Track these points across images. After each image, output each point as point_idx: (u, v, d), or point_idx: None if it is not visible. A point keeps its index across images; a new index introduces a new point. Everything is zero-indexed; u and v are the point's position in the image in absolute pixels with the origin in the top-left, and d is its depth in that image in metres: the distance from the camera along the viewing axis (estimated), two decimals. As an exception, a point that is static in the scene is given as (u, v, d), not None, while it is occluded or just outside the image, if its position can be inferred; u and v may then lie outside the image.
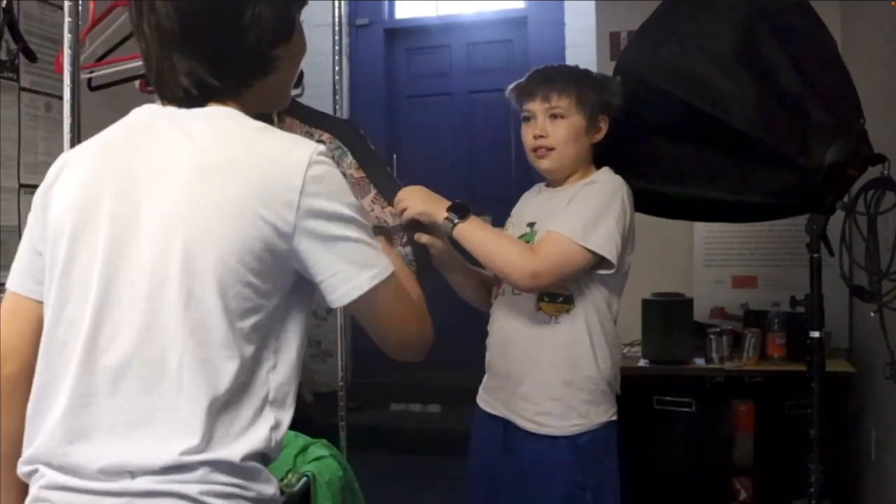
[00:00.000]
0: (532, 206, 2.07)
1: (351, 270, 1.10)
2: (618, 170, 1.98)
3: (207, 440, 1.04)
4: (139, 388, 1.05)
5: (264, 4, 1.12)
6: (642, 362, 3.27)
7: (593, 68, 3.98)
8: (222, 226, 1.05)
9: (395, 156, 5.26)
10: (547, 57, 4.86)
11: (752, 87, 1.89)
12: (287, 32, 1.17)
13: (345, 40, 4.74)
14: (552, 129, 1.95)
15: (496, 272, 1.93)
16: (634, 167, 2.01)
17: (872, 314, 2.13)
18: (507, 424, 1.97)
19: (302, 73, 2.85)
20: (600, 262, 1.85)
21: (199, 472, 1.03)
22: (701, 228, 3.57)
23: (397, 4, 5.38)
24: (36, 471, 1.09)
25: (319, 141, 2.09)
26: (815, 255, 2.00)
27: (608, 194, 1.89)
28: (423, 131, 5.26)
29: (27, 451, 1.10)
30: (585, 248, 1.82)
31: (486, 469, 2.02)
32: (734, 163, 1.95)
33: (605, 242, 1.82)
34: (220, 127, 1.12)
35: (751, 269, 3.57)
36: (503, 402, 1.98)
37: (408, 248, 1.94)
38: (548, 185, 2.08)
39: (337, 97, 2.85)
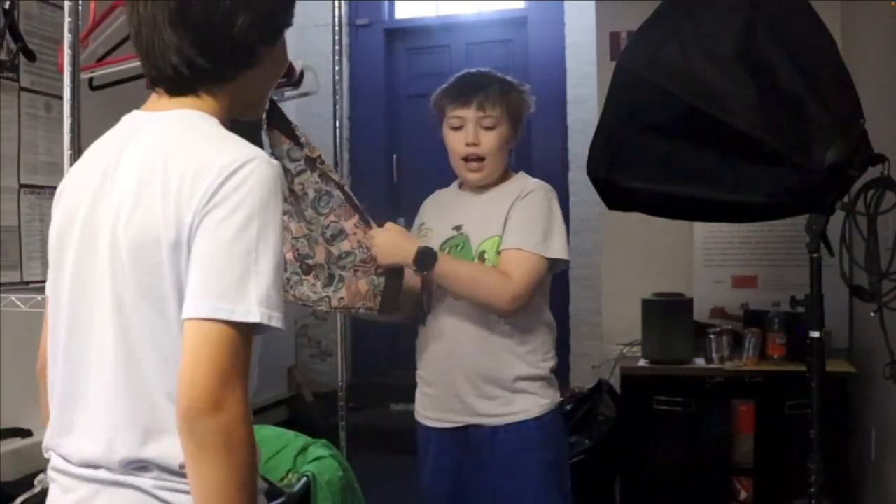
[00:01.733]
0: (453, 209, 2.07)
1: (207, 286, 1.06)
2: (618, 170, 1.98)
3: (157, 440, 1.11)
4: (110, 391, 1.14)
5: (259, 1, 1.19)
6: (642, 362, 3.27)
7: (593, 68, 4.03)
8: (153, 224, 1.10)
9: (395, 156, 5.27)
10: (547, 57, 4.88)
11: (752, 87, 1.88)
12: (273, 35, 1.23)
13: (345, 40, 4.74)
14: (484, 137, 2.00)
15: (477, 303, 1.94)
16: (634, 167, 2.01)
17: (872, 314, 2.13)
18: (467, 429, 2.00)
19: (303, 73, 2.86)
20: (553, 263, 1.97)
21: (154, 470, 1.12)
22: (701, 228, 3.57)
23: (397, 4, 5.38)
24: (50, 455, 1.23)
25: (308, 157, 2.07)
26: (815, 255, 2.00)
27: (547, 201, 2.00)
28: (423, 131, 5.23)
29: (44, 438, 1.24)
30: (547, 258, 1.94)
31: (450, 483, 2.04)
32: (734, 163, 1.95)
33: (562, 247, 1.96)
34: (172, 127, 1.17)
35: (751, 269, 3.57)
36: (460, 410, 1.99)
37: (381, 279, 1.96)
38: (463, 188, 2.12)
39: (337, 97, 2.85)
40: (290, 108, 4.85)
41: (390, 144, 5.29)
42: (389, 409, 5.08)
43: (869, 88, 2.20)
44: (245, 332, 1.06)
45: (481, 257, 1.98)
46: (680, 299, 3.30)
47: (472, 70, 2.13)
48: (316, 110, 4.70)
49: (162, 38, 1.16)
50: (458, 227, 2.03)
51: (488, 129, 2.00)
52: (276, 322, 1.08)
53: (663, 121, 1.99)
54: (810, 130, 1.88)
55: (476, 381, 1.97)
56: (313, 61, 3.22)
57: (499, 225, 1.98)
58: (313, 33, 4.93)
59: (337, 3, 2.81)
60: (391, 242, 1.92)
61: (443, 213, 2.10)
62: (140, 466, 1.12)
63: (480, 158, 2.01)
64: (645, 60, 2.00)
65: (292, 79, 2.85)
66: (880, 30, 2.84)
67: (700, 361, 3.21)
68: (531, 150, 4.69)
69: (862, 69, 2.39)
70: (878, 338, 2.22)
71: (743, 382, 3.12)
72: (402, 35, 5.37)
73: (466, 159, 2.02)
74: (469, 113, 2.00)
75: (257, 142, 2.45)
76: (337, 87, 2.85)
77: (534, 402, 1.99)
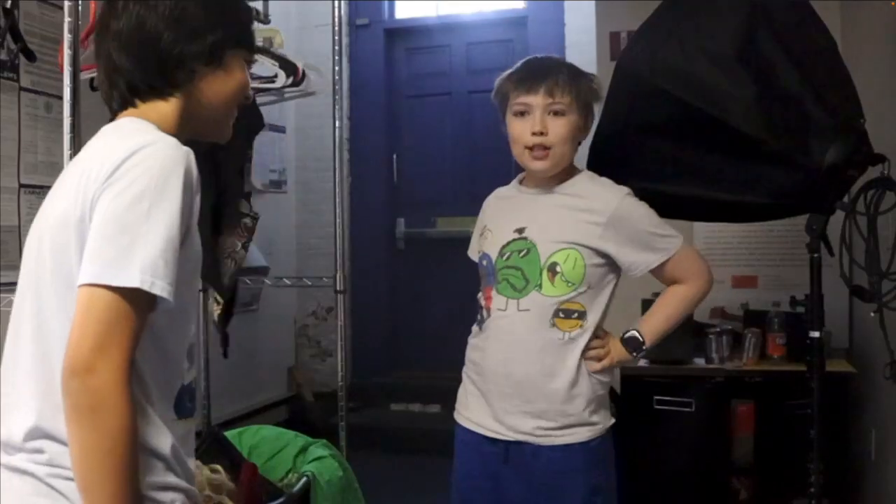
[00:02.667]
0: (514, 209, 1.97)
1: (98, 253, 1.11)
2: (618, 170, 1.97)
3: (51, 425, 1.15)
4: (28, 368, 1.20)
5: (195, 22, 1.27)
6: (642, 362, 3.26)
7: (593, 68, 4.01)
8: (66, 208, 1.17)
9: (395, 156, 5.27)
10: (547, 57, 4.88)
11: (752, 87, 1.88)
12: (209, 55, 1.28)
13: (345, 40, 4.73)
14: (552, 125, 1.87)
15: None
16: (635, 167, 2.01)
17: (872, 314, 2.13)
18: (509, 444, 1.91)
19: (304, 74, 2.86)
20: None
21: (46, 455, 1.15)
22: (701, 228, 3.57)
23: (397, 4, 5.38)
24: None
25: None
26: (815, 255, 2.00)
27: (638, 202, 1.92)
28: (423, 131, 5.26)
29: None
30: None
31: (486, 491, 1.95)
32: (734, 163, 1.95)
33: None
34: (108, 131, 1.26)
35: (751, 269, 3.57)
36: (509, 425, 1.90)
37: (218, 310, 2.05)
38: (524, 184, 2.01)
39: (337, 97, 2.85)
40: (290, 107, 4.88)
41: (390, 144, 5.28)
42: (389, 409, 5.08)
43: (869, 88, 2.20)
44: (130, 299, 1.09)
45: (551, 269, 1.86)
46: (680, 299, 3.30)
47: (540, 55, 2.01)
48: (316, 110, 4.70)
49: (110, 57, 1.27)
50: (520, 230, 1.92)
51: (557, 116, 1.88)
52: (158, 289, 1.10)
53: (663, 121, 1.99)
54: (810, 130, 1.88)
55: (527, 395, 1.87)
56: (313, 61, 3.22)
57: (571, 235, 1.87)
58: (313, 33, 4.93)
59: (337, 3, 2.81)
60: (619, 352, 1.93)
61: (503, 214, 1.99)
62: (39, 444, 1.15)
63: (547, 148, 1.88)
64: (645, 60, 2.00)
65: (295, 79, 2.86)
66: (880, 30, 2.84)
67: (700, 361, 3.20)
68: (531, 150, 4.70)
69: (862, 69, 2.38)
70: (878, 338, 2.22)
71: (743, 382, 3.12)
72: (402, 35, 5.37)
73: (532, 148, 1.89)
74: (537, 99, 1.87)
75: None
76: (337, 87, 2.84)
77: (587, 427, 1.90)
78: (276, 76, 2.77)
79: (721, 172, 1.98)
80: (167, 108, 1.28)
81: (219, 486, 2.29)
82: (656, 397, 3.14)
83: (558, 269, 1.86)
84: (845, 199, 2.08)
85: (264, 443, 2.73)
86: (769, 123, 1.88)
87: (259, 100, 2.68)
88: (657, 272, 1.92)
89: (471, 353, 2.00)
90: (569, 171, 1.96)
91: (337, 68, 2.84)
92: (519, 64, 1.97)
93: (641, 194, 1.97)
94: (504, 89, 1.94)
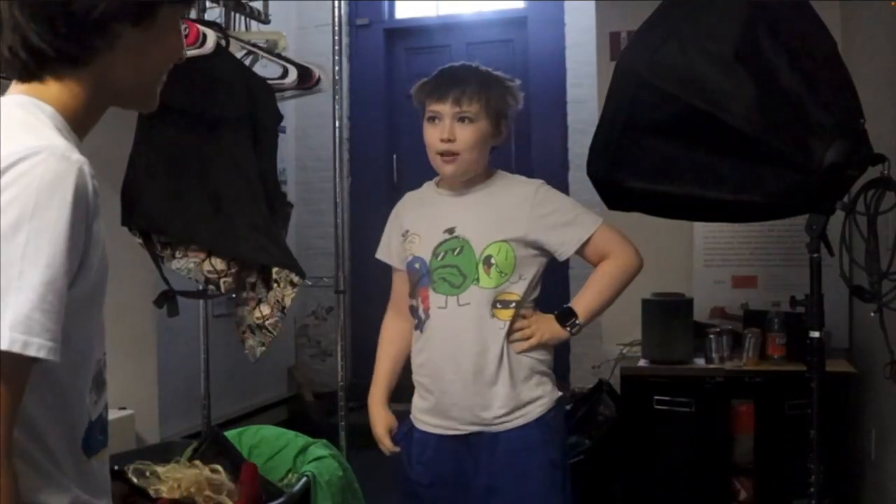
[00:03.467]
0: (438, 211, 2.05)
1: None
2: (618, 170, 1.98)
3: None
4: None
5: None
6: (642, 362, 3.27)
7: (593, 68, 4.02)
8: None
9: (395, 156, 5.27)
10: (547, 57, 4.88)
11: (752, 87, 1.88)
12: (137, 13, 1.05)
13: (345, 40, 4.74)
14: (460, 133, 1.97)
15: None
16: (634, 167, 2.01)
17: (872, 314, 2.13)
18: (468, 436, 1.99)
19: (320, 78, 2.88)
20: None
21: None
22: (701, 228, 3.57)
23: (397, 4, 5.38)
24: None
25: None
26: (815, 255, 2.00)
27: (551, 189, 2.06)
28: (423, 131, 5.25)
29: None
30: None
31: (451, 489, 2.02)
32: (734, 163, 1.95)
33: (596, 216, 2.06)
34: None
35: (751, 269, 3.57)
36: (461, 418, 1.99)
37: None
38: (441, 187, 2.10)
39: (337, 97, 2.85)
40: (290, 107, 4.88)
41: (390, 144, 5.28)
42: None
43: (869, 88, 2.20)
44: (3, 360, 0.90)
45: (487, 262, 1.96)
46: (680, 299, 3.30)
47: (456, 63, 2.14)
48: (316, 110, 4.71)
49: (12, 17, 1.02)
50: (450, 230, 2.01)
51: (466, 123, 1.98)
52: (34, 350, 0.90)
53: (663, 121, 1.99)
54: (810, 130, 1.88)
55: (477, 386, 1.97)
56: (313, 61, 3.23)
57: (500, 230, 1.97)
58: (313, 33, 4.93)
59: (337, 3, 2.81)
60: (550, 329, 2.00)
61: (427, 217, 2.07)
62: None
63: (455, 154, 1.99)
64: (645, 60, 2.00)
65: (309, 83, 2.87)
66: (880, 30, 2.84)
67: (700, 361, 3.20)
68: (531, 150, 4.69)
69: (862, 69, 2.38)
70: (878, 338, 2.21)
71: (743, 382, 3.12)
72: (402, 35, 5.37)
73: (442, 154, 2.00)
74: (445, 107, 1.98)
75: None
76: (337, 87, 2.85)
77: (536, 404, 1.99)
78: (286, 74, 2.78)
79: (721, 172, 1.97)
80: (77, 83, 1.05)
81: (219, 486, 2.29)
82: (656, 397, 3.14)
83: (493, 261, 1.96)
84: (845, 199, 2.08)
85: (264, 443, 2.73)
86: (769, 123, 1.88)
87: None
88: (584, 252, 2.01)
89: (416, 358, 2.08)
90: (487, 173, 2.06)
91: (337, 68, 2.85)
92: (435, 72, 2.08)
93: (642, 194, 1.97)
94: (418, 97, 2.06)
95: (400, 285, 2.15)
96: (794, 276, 3.31)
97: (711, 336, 3.18)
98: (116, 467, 2.13)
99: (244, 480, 2.32)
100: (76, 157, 0.97)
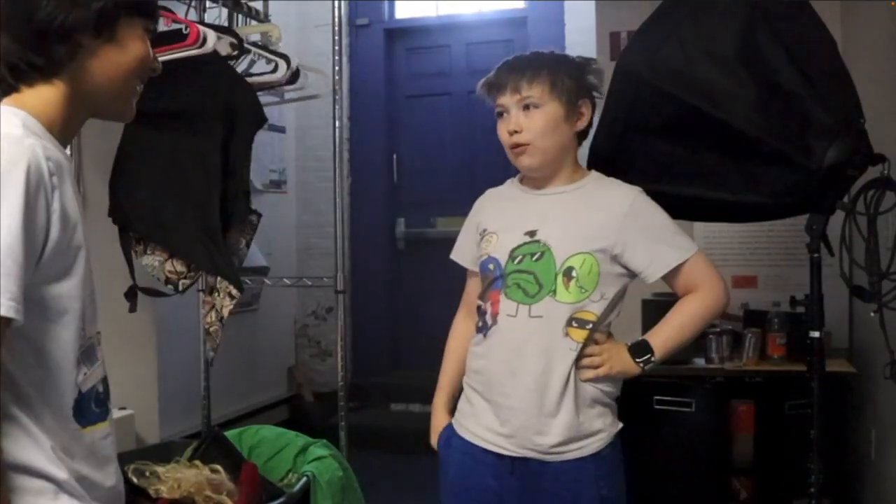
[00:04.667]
0: (520, 210, 1.89)
1: None
2: (618, 170, 1.97)
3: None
4: None
5: None
6: (642, 362, 3.27)
7: (593, 68, 4.01)
8: None
9: (394, 156, 5.27)
10: (547, 57, 4.88)
11: (752, 87, 1.88)
12: (96, 23, 1.14)
13: (345, 40, 4.73)
14: (526, 121, 1.82)
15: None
16: (635, 167, 2.00)
17: (872, 314, 2.13)
18: (514, 459, 1.82)
19: (298, 72, 2.86)
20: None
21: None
22: (701, 228, 3.57)
23: (397, 4, 5.38)
24: None
25: None
26: (815, 255, 2.00)
27: (656, 206, 1.87)
28: (423, 131, 5.26)
29: None
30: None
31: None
32: (734, 163, 1.95)
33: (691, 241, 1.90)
34: None
35: (751, 269, 3.57)
36: (512, 439, 1.82)
37: None
38: (525, 184, 1.94)
39: (337, 97, 2.85)
40: (290, 107, 4.87)
41: (390, 144, 5.28)
42: (389, 409, 5.08)
43: (869, 88, 2.20)
44: None
45: (567, 273, 1.78)
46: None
47: (520, 54, 1.94)
48: (316, 110, 4.70)
49: None
50: (531, 233, 1.82)
51: (531, 110, 1.82)
52: (5, 311, 0.99)
53: (663, 121, 1.99)
54: (810, 130, 1.88)
55: (534, 406, 1.79)
56: (313, 61, 3.23)
57: (586, 239, 1.80)
58: (313, 33, 4.93)
59: (337, 3, 2.81)
60: (622, 361, 1.84)
61: (507, 216, 1.90)
62: None
63: (526, 144, 1.82)
64: (645, 60, 2.00)
65: (288, 71, 2.85)
66: (880, 30, 2.84)
67: (700, 361, 3.20)
68: (531, 150, 4.70)
69: (862, 69, 2.38)
70: (878, 338, 2.22)
71: (743, 382, 3.12)
72: (402, 35, 5.37)
73: (513, 148, 1.84)
74: (506, 98, 1.84)
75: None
76: (337, 87, 2.85)
77: (595, 438, 1.82)
78: (275, 69, 2.74)
79: (721, 172, 1.97)
80: (51, 92, 1.14)
81: (219, 486, 2.29)
82: (656, 397, 3.14)
83: (574, 273, 1.78)
84: (845, 199, 2.08)
85: (264, 443, 2.73)
86: (769, 123, 1.88)
87: (263, 99, 2.68)
88: (672, 277, 1.84)
89: (473, 362, 1.91)
90: (575, 170, 1.90)
91: (337, 68, 2.85)
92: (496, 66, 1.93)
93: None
94: (483, 96, 1.92)
95: (473, 287, 1.98)
96: (794, 276, 3.32)
97: (711, 336, 3.18)
98: (116, 467, 2.13)
99: (244, 480, 2.32)
100: (29, 140, 1.06)
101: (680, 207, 2.16)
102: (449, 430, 1.95)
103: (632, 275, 1.85)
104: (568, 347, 1.79)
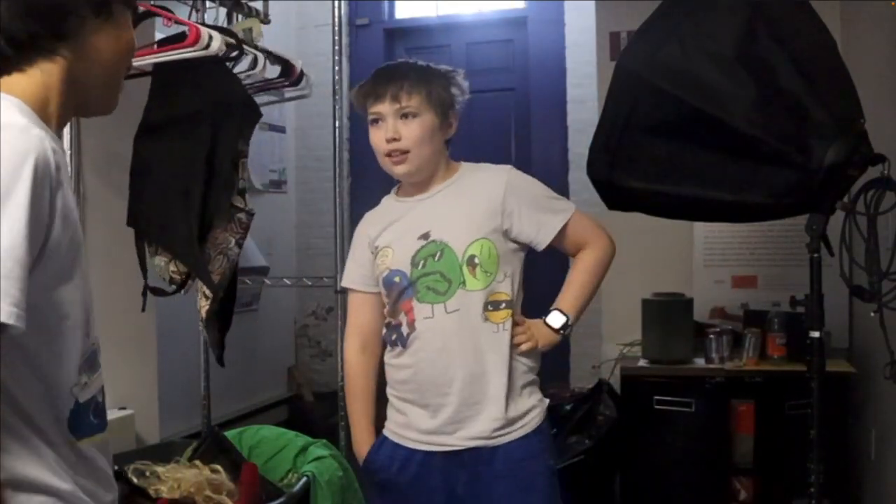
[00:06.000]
0: (406, 219, 1.93)
1: None
2: (618, 170, 1.98)
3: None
4: None
5: None
6: (642, 362, 3.27)
7: (593, 68, 4.02)
8: None
9: (395, 156, 5.27)
10: (547, 57, 4.87)
11: (752, 87, 1.89)
12: (97, 3, 1.12)
13: (345, 40, 4.73)
14: (405, 129, 1.87)
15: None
16: (634, 167, 2.01)
17: (872, 314, 2.13)
18: (462, 451, 1.86)
19: (302, 73, 2.86)
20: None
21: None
22: (701, 228, 3.57)
23: (397, 4, 5.38)
24: None
25: None
26: (815, 255, 2.00)
27: (522, 175, 1.96)
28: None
29: None
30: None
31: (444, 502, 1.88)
32: (734, 163, 1.95)
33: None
34: None
35: (751, 269, 3.57)
36: (457, 434, 1.86)
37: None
38: (402, 195, 1.98)
39: (337, 97, 2.85)
40: (290, 107, 4.87)
41: (390, 144, 5.28)
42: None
43: (869, 88, 2.20)
44: None
45: (470, 262, 1.85)
46: (680, 299, 3.30)
47: (391, 62, 2.05)
48: (316, 110, 4.70)
49: None
50: (425, 236, 1.88)
51: (409, 118, 1.87)
52: (2, 317, 0.93)
53: (663, 121, 1.99)
54: (810, 130, 1.88)
55: (473, 397, 1.84)
56: (313, 61, 3.23)
57: (477, 226, 1.86)
58: (313, 33, 4.93)
59: (337, 3, 2.81)
60: (544, 334, 1.93)
61: (395, 227, 1.94)
62: None
63: (405, 152, 1.87)
64: (645, 60, 2.00)
65: (290, 77, 2.85)
66: (880, 30, 2.84)
67: (700, 361, 3.21)
68: (531, 149, 4.69)
69: (862, 69, 2.38)
70: (878, 338, 2.21)
71: (743, 382, 3.12)
72: (402, 35, 5.36)
73: (390, 155, 1.89)
74: (384, 106, 1.87)
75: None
76: (337, 87, 2.85)
77: (533, 413, 1.90)
78: (255, 65, 2.70)
79: (721, 172, 1.98)
80: (48, 72, 1.10)
81: (219, 486, 2.29)
82: (656, 397, 3.14)
83: (476, 260, 1.86)
84: (845, 199, 2.08)
85: (264, 443, 2.73)
86: (769, 123, 1.88)
87: (259, 99, 2.68)
88: (560, 239, 1.92)
89: (396, 374, 1.95)
90: (449, 168, 1.97)
91: (337, 68, 2.85)
92: (370, 75, 1.97)
93: (642, 194, 1.96)
94: (358, 102, 1.95)
95: (365, 313, 2.00)
96: (794, 276, 3.31)
97: (711, 336, 3.18)
98: (116, 467, 2.13)
99: (244, 480, 2.32)
100: (36, 131, 1.00)
101: (680, 207, 2.17)
102: (381, 442, 1.98)
103: (524, 248, 1.93)
104: (491, 331, 1.86)
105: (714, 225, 3.50)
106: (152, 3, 2.54)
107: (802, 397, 2.06)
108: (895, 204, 2.11)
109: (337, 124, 2.86)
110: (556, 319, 1.94)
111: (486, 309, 1.86)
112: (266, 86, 2.85)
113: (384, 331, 1.97)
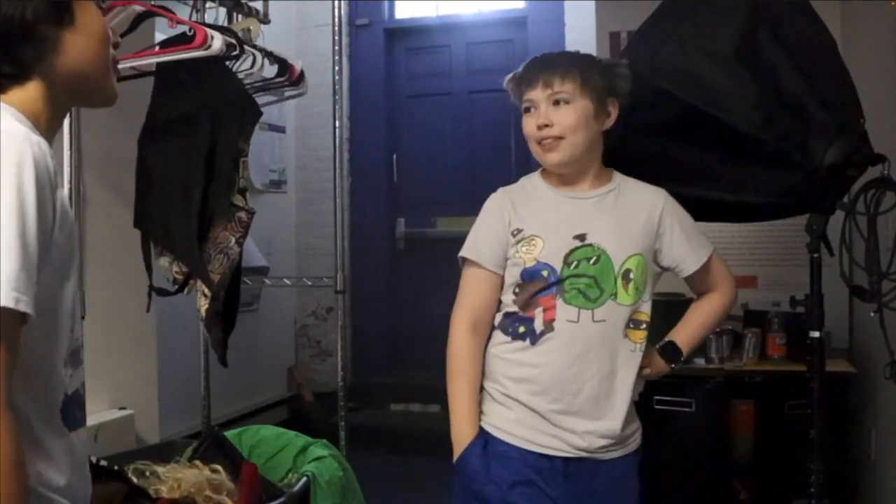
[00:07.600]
0: (561, 212, 1.85)
1: None
2: (618, 170, 1.97)
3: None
4: None
5: None
6: (642, 362, 3.27)
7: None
8: None
9: (395, 156, 5.27)
10: (547, 57, 4.88)
11: (752, 87, 1.89)
12: (56, 12, 1.11)
13: (345, 40, 4.74)
14: (557, 116, 1.80)
15: None
16: (635, 167, 2.00)
17: (872, 314, 2.13)
18: (568, 460, 1.82)
19: (303, 73, 2.86)
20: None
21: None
22: (701, 228, 3.57)
23: (397, 4, 5.38)
24: None
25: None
26: (815, 255, 2.00)
27: (679, 204, 1.94)
28: (423, 131, 5.26)
29: None
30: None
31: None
32: (734, 163, 1.95)
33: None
34: None
35: (751, 269, 3.57)
36: (570, 442, 1.81)
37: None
38: (551, 182, 1.89)
39: (337, 97, 2.85)
40: (290, 107, 4.88)
41: (390, 144, 5.29)
42: (389, 409, 5.09)
43: (869, 88, 2.20)
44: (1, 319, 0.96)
45: (626, 276, 1.80)
46: (680, 299, 3.29)
47: (548, 52, 1.93)
48: (316, 110, 4.71)
49: None
50: (580, 237, 1.80)
51: (562, 105, 1.80)
52: (24, 306, 0.97)
53: (663, 121, 1.99)
54: (810, 130, 1.88)
55: (596, 411, 1.80)
56: (313, 61, 3.23)
57: (636, 241, 1.83)
58: (313, 33, 4.93)
59: (337, 3, 2.81)
60: (657, 363, 1.96)
61: (545, 218, 1.84)
62: None
63: (558, 139, 1.80)
64: (645, 60, 2.00)
65: (290, 78, 2.85)
66: (880, 30, 2.84)
67: (700, 361, 3.20)
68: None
69: (862, 69, 2.38)
70: (878, 338, 2.22)
71: (743, 382, 3.12)
72: (402, 35, 5.37)
73: (540, 142, 1.82)
74: (537, 93, 1.81)
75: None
76: (337, 87, 2.85)
77: (637, 434, 1.92)
78: (253, 63, 2.69)
79: (721, 172, 1.98)
80: (30, 94, 1.11)
81: (219, 486, 2.29)
82: (656, 397, 3.14)
83: (631, 275, 1.81)
84: (845, 199, 2.08)
85: (264, 443, 2.73)
86: (769, 123, 1.88)
87: (258, 100, 2.67)
88: (694, 274, 1.93)
89: (513, 370, 1.84)
90: (601, 170, 1.90)
91: (337, 68, 2.85)
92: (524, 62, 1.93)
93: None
94: (512, 90, 1.90)
95: (484, 292, 1.88)
96: (794, 276, 3.32)
97: (711, 336, 3.18)
98: (116, 467, 2.13)
99: (244, 480, 2.32)
100: (35, 137, 1.04)
101: (680, 207, 2.16)
102: (483, 438, 1.85)
103: (661, 272, 1.93)
104: (629, 349, 1.85)
105: (714, 225, 3.47)
106: (153, 3, 2.54)
107: (802, 397, 2.07)
108: (895, 204, 2.11)
109: (337, 124, 2.86)
110: (672, 353, 1.96)
111: (628, 326, 1.83)
112: (265, 85, 2.84)
113: (503, 319, 1.87)
